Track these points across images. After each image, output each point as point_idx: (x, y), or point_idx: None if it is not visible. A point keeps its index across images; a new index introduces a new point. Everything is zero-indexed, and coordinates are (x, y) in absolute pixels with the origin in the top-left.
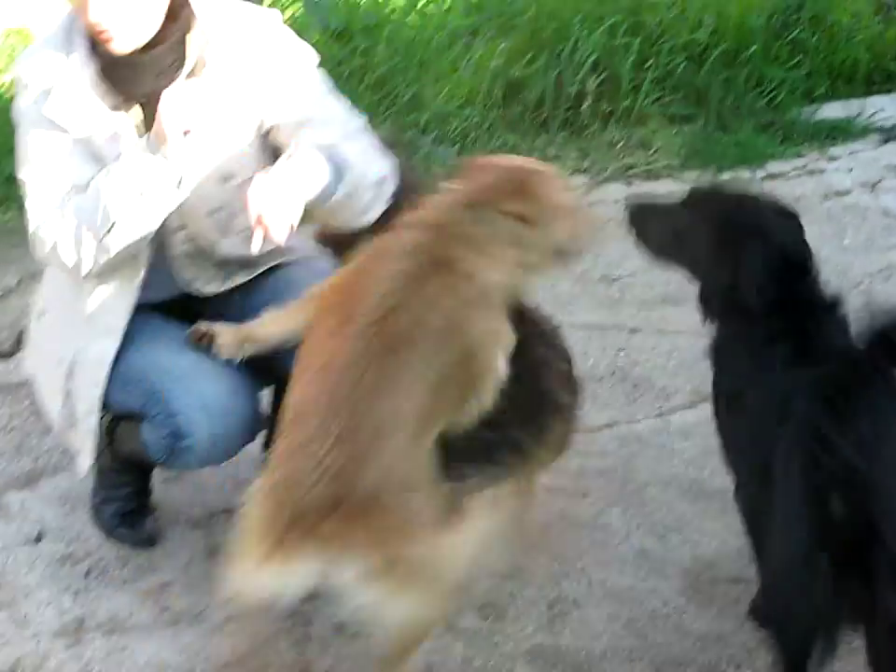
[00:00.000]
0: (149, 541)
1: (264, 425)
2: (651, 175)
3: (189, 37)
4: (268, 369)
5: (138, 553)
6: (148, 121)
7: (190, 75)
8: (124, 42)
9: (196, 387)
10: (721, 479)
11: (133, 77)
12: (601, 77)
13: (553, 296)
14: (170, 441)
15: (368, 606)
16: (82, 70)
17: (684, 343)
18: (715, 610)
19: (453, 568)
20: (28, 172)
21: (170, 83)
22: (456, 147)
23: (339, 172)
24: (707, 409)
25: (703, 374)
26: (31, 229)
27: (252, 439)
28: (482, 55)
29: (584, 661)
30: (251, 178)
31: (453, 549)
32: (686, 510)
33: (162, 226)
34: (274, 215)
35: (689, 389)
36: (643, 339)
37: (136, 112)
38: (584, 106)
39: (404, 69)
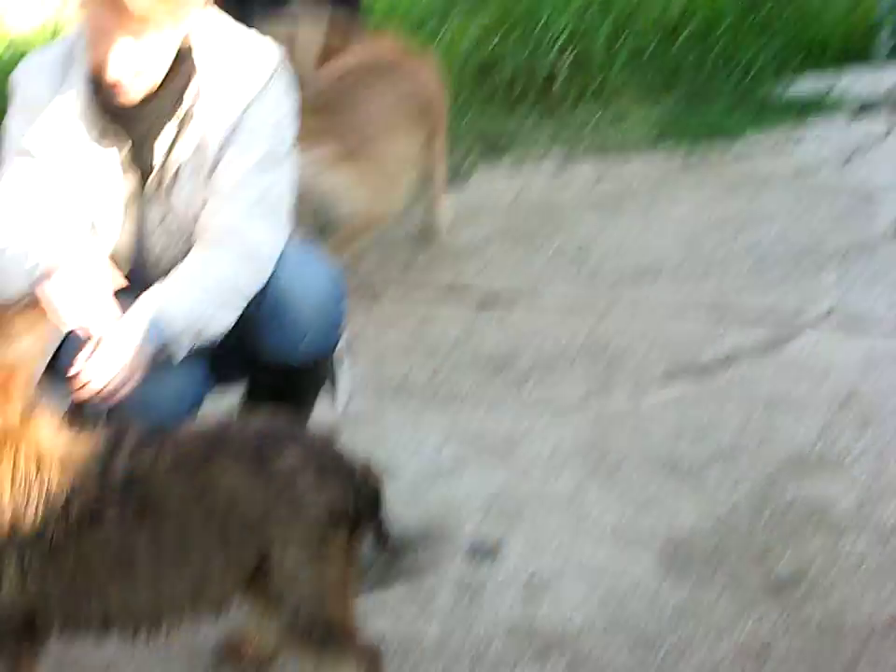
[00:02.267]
0: None
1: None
2: (625, 152)
3: (186, 91)
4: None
5: None
6: (134, 159)
7: (181, 124)
8: (134, 96)
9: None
10: (696, 455)
11: (128, 125)
12: (573, 55)
13: (528, 273)
14: None
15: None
16: (75, 102)
17: (658, 319)
18: (691, 585)
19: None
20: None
21: (161, 130)
22: None
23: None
24: (680, 386)
25: (677, 351)
26: None
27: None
28: (453, 35)
29: (561, 636)
30: None
31: None
32: (661, 485)
33: (137, 263)
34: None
35: (663, 366)
36: (618, 316)
37: (125, 146)
38: (556, 85)
39: None
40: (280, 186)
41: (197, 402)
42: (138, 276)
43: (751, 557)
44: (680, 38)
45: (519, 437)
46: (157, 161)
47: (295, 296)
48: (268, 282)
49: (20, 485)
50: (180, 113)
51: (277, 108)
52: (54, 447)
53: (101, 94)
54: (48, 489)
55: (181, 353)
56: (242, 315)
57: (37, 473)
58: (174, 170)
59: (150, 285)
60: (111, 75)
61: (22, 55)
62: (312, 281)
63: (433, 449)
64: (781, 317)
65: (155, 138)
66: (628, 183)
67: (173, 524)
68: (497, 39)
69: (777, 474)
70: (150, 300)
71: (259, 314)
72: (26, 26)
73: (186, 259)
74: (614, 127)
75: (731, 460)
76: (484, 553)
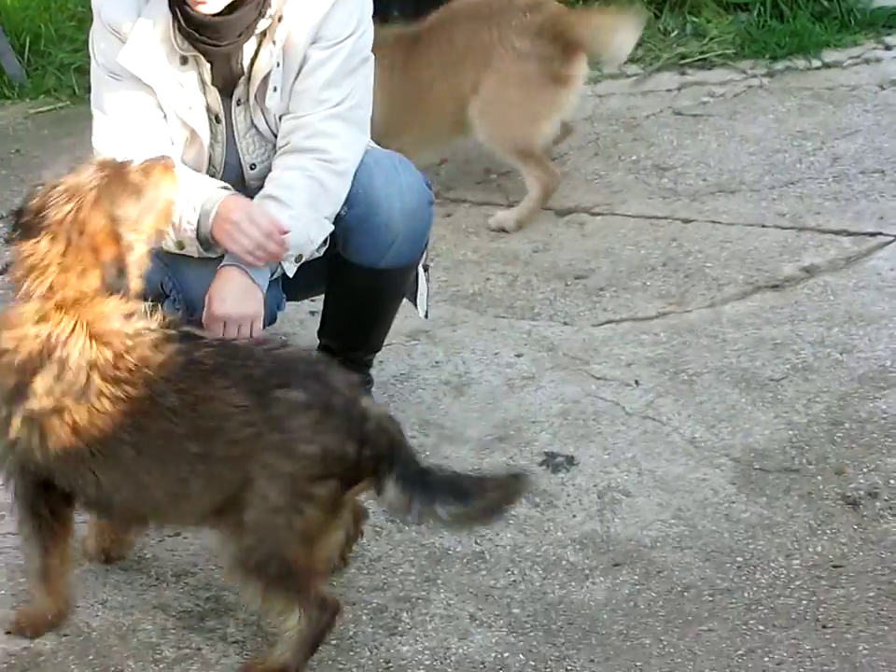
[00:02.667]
0: None
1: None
2: (705, 65)
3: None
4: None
5: None
6: (216, 77)
7: (266, 31)
8: (215, 6)
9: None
10: (773, 369)
11: (215, 37)
12: None
13: (606, 185)
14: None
15: None
16: (158, 21)
17: (737, 233)
18: (765, 500)
19: None
20: (97, 108)
21: (248, 39)
22: None
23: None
24: (759, 299)
25: (755, 265)
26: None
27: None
28: None
29: (634, 549)
30: None
31: None
32: (737, 399)
33: (233, 167)
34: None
35: (741, 280)
36: (696, 229)
37: (205, 67)
38: None
39: None
40: (360, 89)
41: (271, 321)
42: (234, 180)
43: (827, 472)
44: None
45: (595, 348)
46: (245, 68)
47: (387, 201)
48: (361, 186)
49: (42, 345)
50: (267, 17)
51: (358, 10)
52: (92, 320)
53: (182, 11)
54: (67, 356)
55: (289, 272)
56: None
57: (67, 339)
58: (263, 75)
59: (247, 188)
60: None
61: None
62: (404, 188)
63: (509, 359)
64: (861, 232)
65: (242, 46)
66: (708, 96)
67: (162, 426)
68: None
69: (855, 390)
70: None
71: (351, 217)
72: None
73: (273, 172)
74: (696, 38)
75: (808, 375)
76: (559, 463)
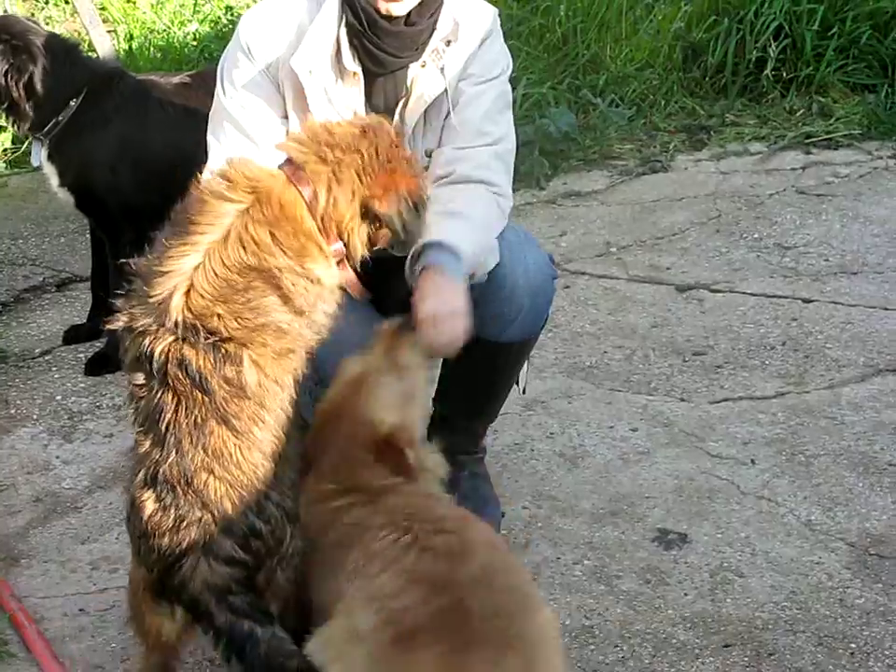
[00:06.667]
0: None
1: None
2: (831, 144)
3: (439, 21)
4: None
5: None
6: (367, 96)
7: (432, 53)
8: (406, 3)
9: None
10: (892, 454)
11: (394, 46)
12: (783, 43)
13: (727, 262)
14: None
15: None
16: (331, 27)
17: (858, 315)
18: (881, 586)
19: None
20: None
21: (420, 57)
22: (633, 109)
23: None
24: (879, 382)
25: (877, 348)
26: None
27: None
28: (663, 18)
29: (745, 630)
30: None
31: None
32: (855, 483)
33: None
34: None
35: (862, 362)
36: (817, 309)
37: (359, 85)
38: (765, 73)
39: (584, 30)
40: (511, 133)
41: None
42: None
43: None
44: (893, 31)
45: (711, 426)
46: (408, 90)
47: (512, 278)
48: None
49: None
50: (430, 48)
51: (503, 55)
52: None
53: (358, 17)
54: None
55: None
56: None
57: None
58: (428, 101)
59: None
60: None
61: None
62: (530, 265)
63: (624, 433)
64: None
65: (408, 65)
66: (833, 176)
67: None
68: (706, 24)
69: None
70: (449, 243)
71: (476, 292)
72: None
73: (445, 195)
74: (822, 118)
75: None
76: (672, 540)
